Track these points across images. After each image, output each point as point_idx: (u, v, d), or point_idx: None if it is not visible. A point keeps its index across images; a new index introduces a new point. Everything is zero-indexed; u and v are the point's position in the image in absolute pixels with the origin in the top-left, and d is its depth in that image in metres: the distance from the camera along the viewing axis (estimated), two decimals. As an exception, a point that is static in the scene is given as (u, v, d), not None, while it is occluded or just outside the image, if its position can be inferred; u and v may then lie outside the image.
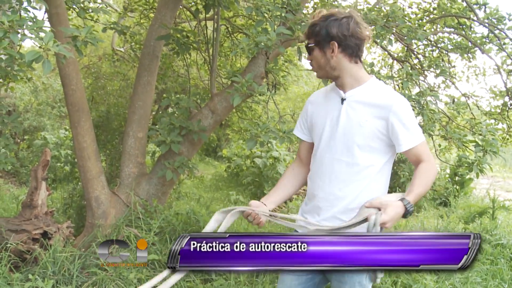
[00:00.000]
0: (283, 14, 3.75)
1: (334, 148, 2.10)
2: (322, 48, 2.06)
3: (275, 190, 2.31)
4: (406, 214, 1.90)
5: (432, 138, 4.16)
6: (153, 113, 6.87)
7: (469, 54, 5.55)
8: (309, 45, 2.09)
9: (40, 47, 2.61)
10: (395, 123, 2.00)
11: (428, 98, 3.34)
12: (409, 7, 5.89)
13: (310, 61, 2.13)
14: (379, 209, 1.86)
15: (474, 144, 3.68)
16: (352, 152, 2.06)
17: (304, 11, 4.89)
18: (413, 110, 3.36)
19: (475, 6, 4.76)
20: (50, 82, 10.46)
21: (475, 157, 3.54)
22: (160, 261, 3.88)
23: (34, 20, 2.66)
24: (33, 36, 2.55)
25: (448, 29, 5.58)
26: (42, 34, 2.63)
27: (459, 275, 4.07)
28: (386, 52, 6.17)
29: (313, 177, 2.19)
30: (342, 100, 2.10)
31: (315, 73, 2.20)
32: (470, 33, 5.24)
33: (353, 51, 2.06)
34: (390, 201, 1.88)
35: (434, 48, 5.82)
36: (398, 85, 4.71)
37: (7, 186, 7.82)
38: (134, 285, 3.61)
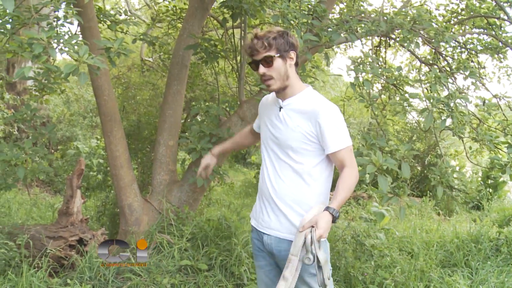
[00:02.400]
0: (309, 21, 3.79)
1: (273, 150, 2.36)
2: (284, 58, 2.26)
3: (226, 142, 2.90)
4: (334, 220, 2.11)
5: (463, 141, 4.11)
6: (182, 121, 6.97)
7: (499, 55, 5.45)
8: (274, 56, 2.23)
9: (76, 60, 2.72)
10: (322, 128, 2.22)
11: (458, 100, 3.31)
12: (436, 9, 5.84)
13: (264, 74, 2.26)
14: (312, 227, 2.05)
15: (506, 145, 3.63)
16: (288, 153, 2.30)
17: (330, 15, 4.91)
18: (442, 113, 3.35)
19: (505, 5, 4.68)
20: (81, 92, 10.75)
21: (508, 159, 3.50)
22: (193, 267, 3.93)
23: (70, 34, 2.77)
24: (70, 50, 2.65)
25: (477, 30, 5.50)
26: (75, 47, 2.74)
27: (494, 280, 4.00)
28: (413, 56, 6.11)
29: (261, 173, 2.45)
30: (280, 108, 2.35)
31: (273, 86, 2.31)
32: (500, 32, 5.15)
33: (298, 62, 2.35)
34: (317, 216, 2.08)
35: (463, 50, 5.74)
36: (426, 88, 4.68)
37: (43, 195, 8.05)
38: (167, 290, 3.68)
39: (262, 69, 2.24)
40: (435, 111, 3.22)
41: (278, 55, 2.23)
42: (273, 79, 2.26)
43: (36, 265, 3.68)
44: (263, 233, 2.38)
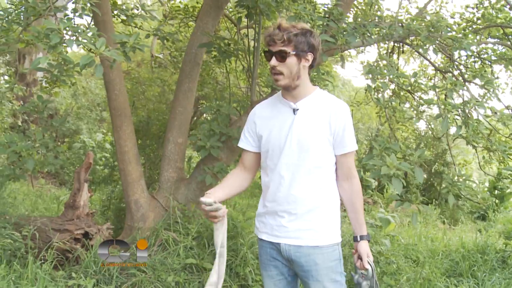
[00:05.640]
0: (325, 23, 3.77)
1: (291, 155, 2.22)
2: (300, 57, 2.16)
3: (221, 187, 2.36)
4: (369, 242, 2.35)
5: (476, 150, 4.08)
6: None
7: (514, 66, 5.41)
8: (290, 52, 2.14)
9: (92, 52, 2.71)
10: (344, 126, 2.20)
11: (473, 108, 3.29)
12: (451, 17, 5.80)
13: (274, 67, 2.17)
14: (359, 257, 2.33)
15: (520, 157, 3.61)
16: (307, 156, 2.20)
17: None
18: (457, 120, 3.33)
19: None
20: (89, 86, 10.76)
21: (521, 170, 3.47)
22: (198, 265, 3.91)
23: (88, 27, 2.77)
24: (87, 42, 2.64)
25: (492, 40, 5.46)
26: (92, 40, 2.73)
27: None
28: (426, 63, 6.09)
29: (271, 182, 2.29)
30: (294, 110, 2.25)
31: (280, 82, 2.21)
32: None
33: (314, 64, 2.26)
34: (365, 248, 2.33)
35: (476, 59, 5.70)
36: (438, 96, 4.64)
37: (48, 187, 8.06)
38: (172, 288, 3.66)
39: (274, 61, 2.15)
40: (450, 117, 3.20)
41: (294, 52, 2.14)
42: (282, 75, 2.17)
43: (42, 257, 3.67)
44: (279, 242, 2.28)
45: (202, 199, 2.08)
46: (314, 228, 2.22)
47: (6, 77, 9.83)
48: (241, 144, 2.43)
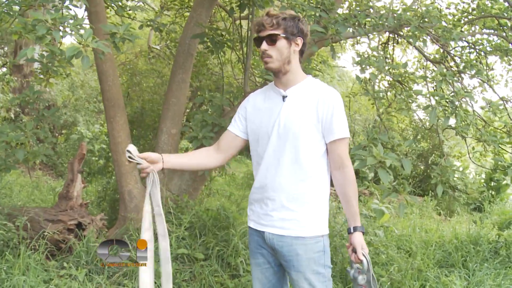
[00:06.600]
0: (317, 14, 3.76)
1: (278, 142, 2.22)
2: (290, 41, 2.18)
3: (182, 154, 2.47)
4: (364, 234, 2.26)
5: (465, 141, 4.08)
6: (187, 110, 6.95)
7: (509, 57, 5.39)
8: (280, 35, 2.16)
9: (79, 43, 2.71)
10: (332, 112, 2.18)
11: (463, 99, 3.28)
12: (446, 7, 5.77)
13: (265, 51, 2.18)
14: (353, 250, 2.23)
15: (511, 146, 3.60)
16: (293, 144, 2.19)
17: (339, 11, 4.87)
18: (446, 111, 3.32)
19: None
20: (88, 78, 10.76)
21: None
22: (189, 255, 3.94)
23: (75, 17, 2.76)
24: (73, 32, 2.64)
25: (487, 31, 5.44)
26: (81, 31, 2.72)
27: (491, 282, 3.98)
28: (421, 54, 6.07)
29: (260, 169, 2.29)
30: (283, 97, 2.26)
31: (270, 64, 2.20)
32: (511, 33, 5.08)
33: (304, 50, 2.28)
34: (359, 239, 2.21)
35: (472, 50, 5.68)
36: (433, 87, 4.64)
37: (45, 178, 8.08)
38: (163, 277, 3.68)
39: (264, 45, 2.17)
40: (440, 110, 3.19)
41: (284, 35, 2.15)
42: (272, 58, 2.19)
43: (33, 247, 3.69)
44: (264, 231, 2.29)
45: (128, 147, 2.11)
46: (298, 218, 2.20)
47: (5, 69, 9.83)
48: (230, 127, 2.43)
